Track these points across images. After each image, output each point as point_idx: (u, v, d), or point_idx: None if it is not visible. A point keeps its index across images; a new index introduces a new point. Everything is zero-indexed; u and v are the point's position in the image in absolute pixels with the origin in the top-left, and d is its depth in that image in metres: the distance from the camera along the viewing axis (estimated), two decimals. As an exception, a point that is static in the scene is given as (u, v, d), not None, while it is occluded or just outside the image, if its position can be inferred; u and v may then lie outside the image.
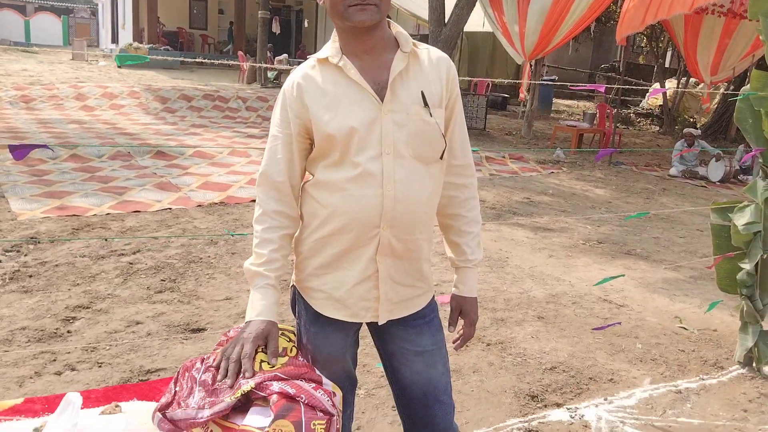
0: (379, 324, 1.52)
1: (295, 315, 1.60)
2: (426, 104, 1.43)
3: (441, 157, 1.49)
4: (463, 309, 1.64)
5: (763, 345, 3.11)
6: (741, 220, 3.05)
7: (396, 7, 17.75)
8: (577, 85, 3.30)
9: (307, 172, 1.53)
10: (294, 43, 24.87)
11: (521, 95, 11.64)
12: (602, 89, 3.68)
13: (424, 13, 11.69)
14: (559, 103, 17.84)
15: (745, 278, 3.08)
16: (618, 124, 14.14)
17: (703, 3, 8.40)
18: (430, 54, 1.50)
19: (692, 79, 13.57)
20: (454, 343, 1.67)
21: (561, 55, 18.22)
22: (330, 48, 1.46)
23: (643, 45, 16.29)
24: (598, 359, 3.09)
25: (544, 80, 15.46)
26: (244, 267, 1.50)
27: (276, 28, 19.56)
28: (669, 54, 17.83)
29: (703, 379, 3.03)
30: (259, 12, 15.82)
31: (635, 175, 8.96)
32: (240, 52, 17.75)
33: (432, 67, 1.48)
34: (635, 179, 8.58)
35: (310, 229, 1.49)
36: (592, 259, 4.80)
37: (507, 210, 6.19)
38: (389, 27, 1.48)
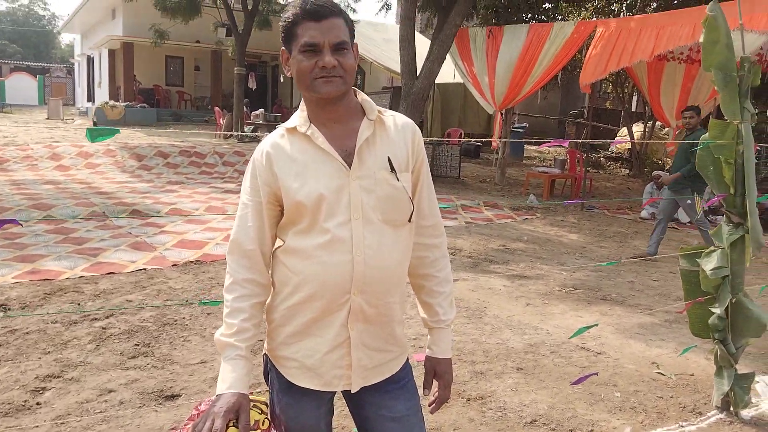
0: (352, 392, 1.52)
1: (267, 384, 1.59)
2: (393, 169, 1.47)
3: (410, 220, 1.53)
4: (437, 371, 1.64)
5: (738, 389, 3.14)
6: (709, 265, 3.12)
7: (370, 61, 18.22)
8: (542, 142, 3.40)
9: (278, 239, 1.55)
10: (270, 97, 25.23)
11: (494, 143, 11.89)
12: (565, 143, 3.79)
13: (397, 66, 11.99)
14: (530, 149, 18.22)
15: (716, 322, 3.13)
16: (589, 169, 14.47)
17: (662, 50, 8.78)
18: (396, 120, 1.55)
19: (658, 123, 14.02)
20: (429, 405, 1.67)
21: (531, 103, 18.72)
22: (298, 117, 1.50)
23: (609, 91, 16.83)
24: (578, 410, 3.08)
25: (516, 128, 15.85)
26: (215, 338, 1.49)
27: (252, 83, 19.86)
28: (635, 99, 18.43)
29: (682, 426, 3.03)
30: (235, 68, 16.06)
31: (608, 219, 9.13)
32: (216, 108, 17.93)
33: (398, 133, 1.53)
34: (608, 223, 8.74)
35: (281, 297, 1.50)
36: (568, 306, 4.83)
37: (483, 258, 6.23)
38: (355, 95, 1.54)
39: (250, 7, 15.10)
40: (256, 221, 1.49)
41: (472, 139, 15.59)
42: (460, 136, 14.81)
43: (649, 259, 6.40)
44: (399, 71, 11.75)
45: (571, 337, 3.63)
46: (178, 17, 15.89)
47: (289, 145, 1.48)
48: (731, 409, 3.18)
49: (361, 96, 1.54)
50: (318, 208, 1.43)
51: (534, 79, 10.66)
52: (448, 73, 13.17)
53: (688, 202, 6.17)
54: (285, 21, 1.45)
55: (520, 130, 15.86)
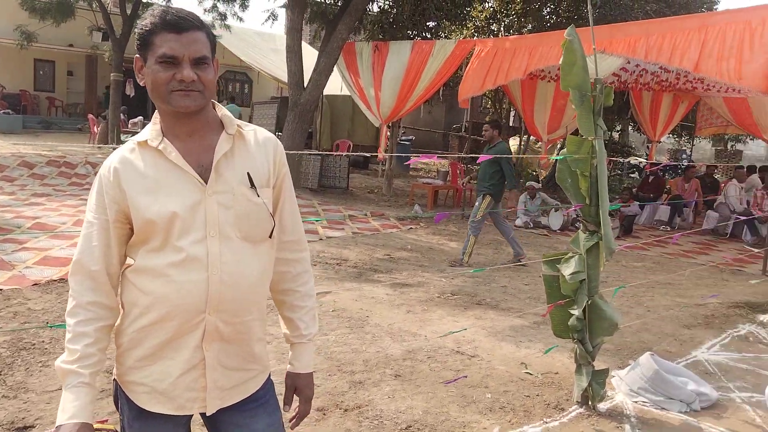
0: (208, 414, 1.47)
1: (118, 410, 1.51)
2: (252, 185, 1.45)
3: (270, 236, 1.51)
4: (298, 386, 1.63)
5: (595, 384, 3.39)
6: (567, 270, 3.35)
7: (257, 70, 17.95)
8: (411, 158, 3.51)
9: (128, 258, 1.47)
10: (150, 105, 24.07)
11: (380, 156, 12.10)
12: (435, 158, 3.96)
13: (285, 76, 11.90)
14: (416, 162, 18.75)
15: (575, 323, 3.37)
16: (471, 180, 15.11)
17: (533, 69, 9.37)
18: (257, 135, 1.53)
19: (533, 137, 14.94)
20: (290, 421, 1.65)
21: (416, 117, 19.29)
22: (150, 130, 1.44)
23: (488, 106, 17.71)
24: (451, 413, 3.19)
25: (402, 141, 16.25)
26: (56, 365, 1.39)
27: (130, 90, 18.85)
28: (512, 114, 19.53)
29: (546, 422, 3.23)
30: (112, 74, 15.19)
31: (485, 227, 9.55)
32: (90, 115, 16.85)
33: (258, 148, 1.51)
34: (485, 231, 9.12)
35: (130, 319, 1.43)
36: (446, 311, 5.00)
37: (369, 268, 6.31)
38: (214, 108, 1.50)
39: (129, 11, 14.37)
40: (102, 240, 1.42)
41: (360, 152, 15.79)
42: (349, 148, 14.94)
43: (519, 265, 6.77)
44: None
45: (440, 336, 3.78)
46: (48, 19, 14.76)
47: (139, 160, 1.41)
48: (590, 403, 3.43)
49: (221, 110, 1.51)
50: (170, 226, 1.38)
51: (418, 94, 10.99)
52: (337, 85, 13.28)
53: (477, 203, 6.61)
54: (142, 29, 1.39)
55: (407, 143, 16.27)
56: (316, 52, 12.41)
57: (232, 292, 1.42)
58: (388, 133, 11.88)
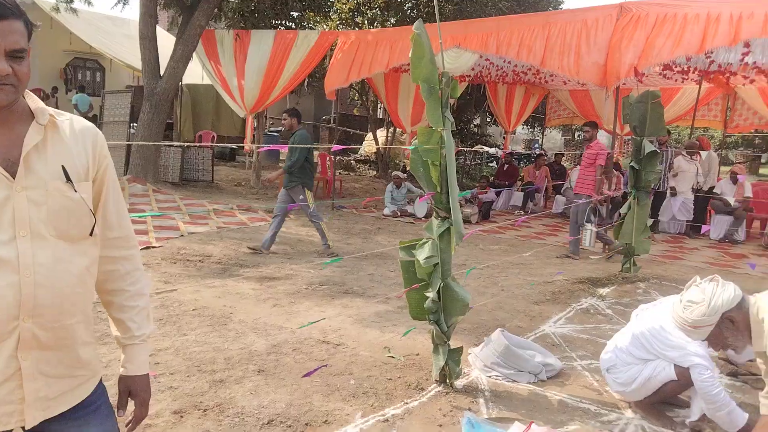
0: (28, 428, 1.36)
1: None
2: (69, 179, 1.35)
3: (91, 233, 1.42)
4: (133, 389, 1.55)
5: (452, 362, 3.56)
6: (422, 255, 3.48)
7: (110, 57, 16.73)
8: (261, 147, 3.46)
9: None
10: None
11: (246, 147, 11.81)
12: (284, 149, 3.94)
13: (140, 64, 11.21)
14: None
15: (430, 305, 3.51)
16: (340, 171, 15.21)
17: (396, 63, 9.60)
18: (74, 125, 1.42)
19: (399, 129, 15.33)
20: (126, 426, 1.57)
21: (284, 108, 19.02)
22: None
23: (356, 98, 17.90)
24: (314, 403, 3.21)
25: (270, 132, 15.97)
26: None
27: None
28: (380, 106, 19.89)
29: (407, 403, 3.34)
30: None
31: (355, 217, 9.70)
32: None
33: (75, 139, 1.40)
34: (355, 221, 9.28)
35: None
36: (313, 302, 5.01)
37: (234, 263, 6.15)
38: (24, 97, 1.38)
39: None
40: None
41: (226, 143, 15.30)
42: (213, 139, 14.42)
43: (381, 252, 6.95)
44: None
45: (299, 328, 3.80)
46: None
47: None
48: (447, 381, 3.60)
49: (31, 99, 1.39)
50: None
51: (283, 84, 10.85)
52: (198, 73, 12.74)
53: (301, 197, 6.70)
54: None
55: (275, 134, 16.01)
56: (174, 38, 11.81)
57: (49, 296, 1.32)
58: (255, 124, 11.63)
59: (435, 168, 3.50)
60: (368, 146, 17.97)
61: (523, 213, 11.43)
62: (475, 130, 19.78)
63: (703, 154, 9.98)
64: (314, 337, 4.15)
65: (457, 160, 17.59)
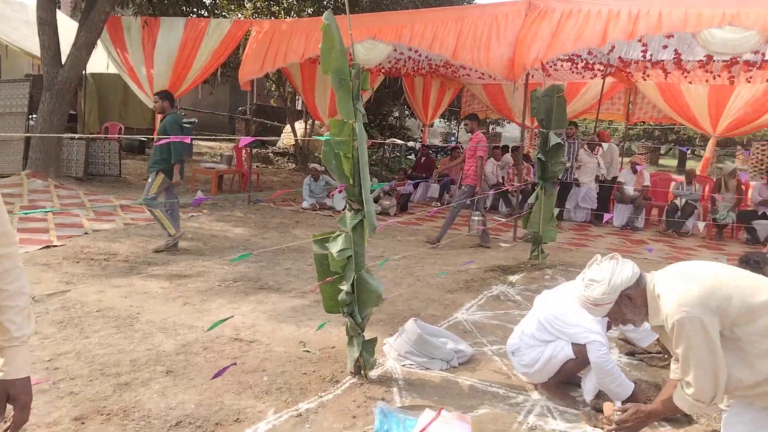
0: None
1: None
2: None
3: None
4: (12, 393, 1.46)
5: (366, 353, 3.58)
6: (335, 248, 3.47)
7: (5, 43, 15.56)
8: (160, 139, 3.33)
9: None
10: None
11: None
12: (188, 140, 3.83)
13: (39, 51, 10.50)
14: (201, 145, 17.98)
15: (345, 298, 3.51)
16: (257, 164, 14.94)
17: (311, 54, 9.49)
18: None
19: (317, 121, 15.20)
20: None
21: (197, 98, 18.42)
22: None
23: (273, 89, 17.58)
24: (225, 402, 3.14)
25: (183, 123, 15.39)
26: None
27: None
28: (298, 97, 19.63)
29: (321, 397, 3.33)
30: None
31: (273, 211, 9.55)
32: None
33: None
34: (272, 215, 9.14)
35: None
36: (226, 299, 4.89)
37: (142, 261, 5.90)
38: None
39: None
40: None
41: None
42: (121, 131, 13.75)
43: (299, 246, 6.88)
44: (41, 57, 10.33)
45: (208, 330, 3.72)
46: None
47: None
48: (362, 372, 3.61)
49: None
50: None
51: (195, 74, 10.49)
52: (105, 62, 12.09)
53: (149, 180, 6.51)
54: None
55: (188, 126, 15.46)
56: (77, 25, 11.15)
57: None
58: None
59: (347, 160, 3.49)
60: (286, 138, 17.71)
61: (439, 204, 11.65)
62: (394, 122, 19.95)
63: (604, 145, 10.53)
64: (226, 335, 4.05)
65: (376, 152, 17.71)
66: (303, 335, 4.19)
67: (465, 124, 7.91)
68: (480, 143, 7.60)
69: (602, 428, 2.89)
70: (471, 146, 7.68)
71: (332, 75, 3.48)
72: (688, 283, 2.13)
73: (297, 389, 3.37)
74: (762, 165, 19.13)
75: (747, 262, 3.34)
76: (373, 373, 3.64)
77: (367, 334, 3.65)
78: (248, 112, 16.36)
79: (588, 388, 3.39)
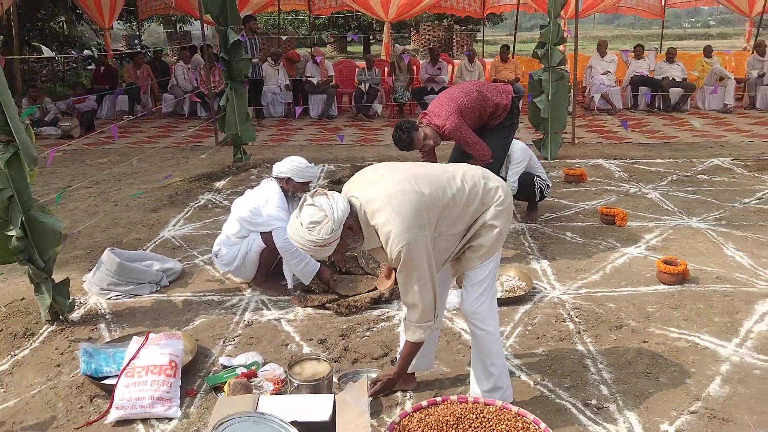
0: None
1: None
2: None
3: None
4: None
5: (60, 297, 3.27)
6: (-7, 189, 2.99)
7: None
8: None
9: None
10: None
11: None
12: None
13: None
14: None
15: (17, 244, 3.09)
16: None
17: None
18: None
19: None
20: None
21: None
22: None
23: None
24: None
25: None
26: None
27: None
28: None
29: (15, 355, 2.99)
30: None
31: None
32: None
33: None
34: None
35: None
36: None
37: None
38: None
39: None
40: None
41: None
42: None
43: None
44: None
45: None
46: None
47: None
48: (61, 317, 3.32)
49: None
50: None
51: None
52: None
53: None
54: None
55: None
56: None
57: None
58: None
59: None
60: None
61: (131, 117, 10.72)
62: (60, 29, 17.29)
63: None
64: None
65: (46, 66, 15.25)
66: (-18, 294, 3.64)
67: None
68: None
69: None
70: None
71: None
72: (400, 208, 2.13)
73: (-16, 356, 2.97)
74: (429, 44, 21.60)
75: (400, 128, 3.81)
76: (75, 315, 3.38)
77: (59, 276, 3.33)
78: None
79: (289, 276, 3.65)
